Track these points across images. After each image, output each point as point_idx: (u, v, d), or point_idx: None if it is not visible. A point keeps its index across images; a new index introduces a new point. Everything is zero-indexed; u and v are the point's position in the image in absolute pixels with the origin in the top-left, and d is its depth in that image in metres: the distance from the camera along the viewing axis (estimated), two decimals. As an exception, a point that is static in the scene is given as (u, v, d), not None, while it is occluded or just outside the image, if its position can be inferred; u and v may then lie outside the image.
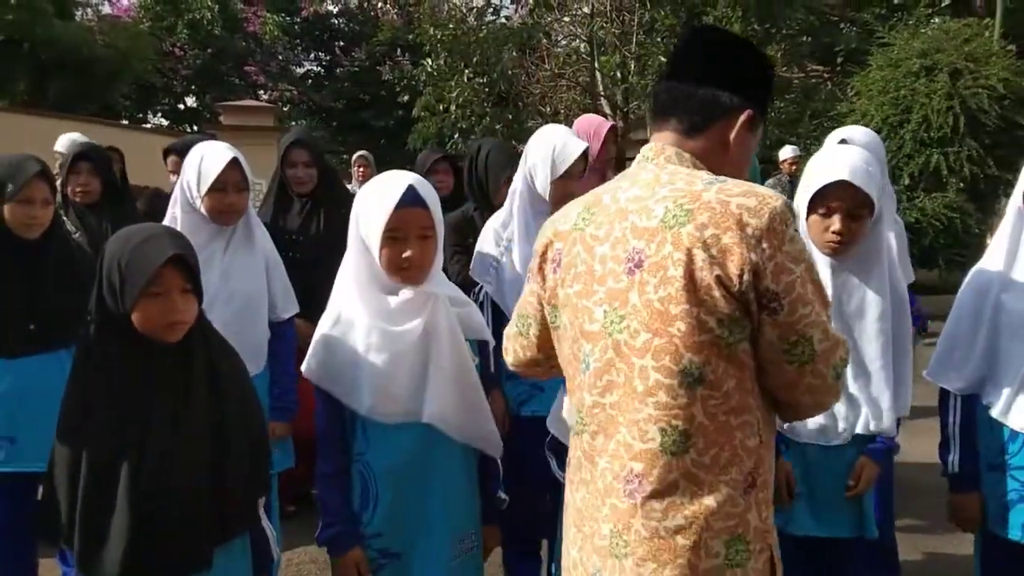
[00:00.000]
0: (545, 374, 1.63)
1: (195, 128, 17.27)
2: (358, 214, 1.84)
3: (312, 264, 3.35)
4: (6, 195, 2.47)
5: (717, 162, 1.39)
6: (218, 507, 1.72)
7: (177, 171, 3.57)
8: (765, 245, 1.24)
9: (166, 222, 2.61)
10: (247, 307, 2.60)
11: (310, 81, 18.77)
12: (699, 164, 1.38)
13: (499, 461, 2.00)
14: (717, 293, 1.24)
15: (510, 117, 10.93)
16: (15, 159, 2.56)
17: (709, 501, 1.28)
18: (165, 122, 17.80)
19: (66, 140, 5.02)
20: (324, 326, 1.87)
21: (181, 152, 3.55)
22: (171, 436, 1.70)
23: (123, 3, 17.48)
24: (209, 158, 2.52)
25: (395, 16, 18.44)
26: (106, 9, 17.28)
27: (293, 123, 15.39)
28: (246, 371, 1.88)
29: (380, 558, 1.82)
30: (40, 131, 9.19)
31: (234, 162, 2.52)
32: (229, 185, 2.52)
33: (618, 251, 1.33)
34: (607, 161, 3.30)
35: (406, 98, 12.97)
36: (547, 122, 10.22)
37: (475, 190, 3.24)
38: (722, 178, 1.33)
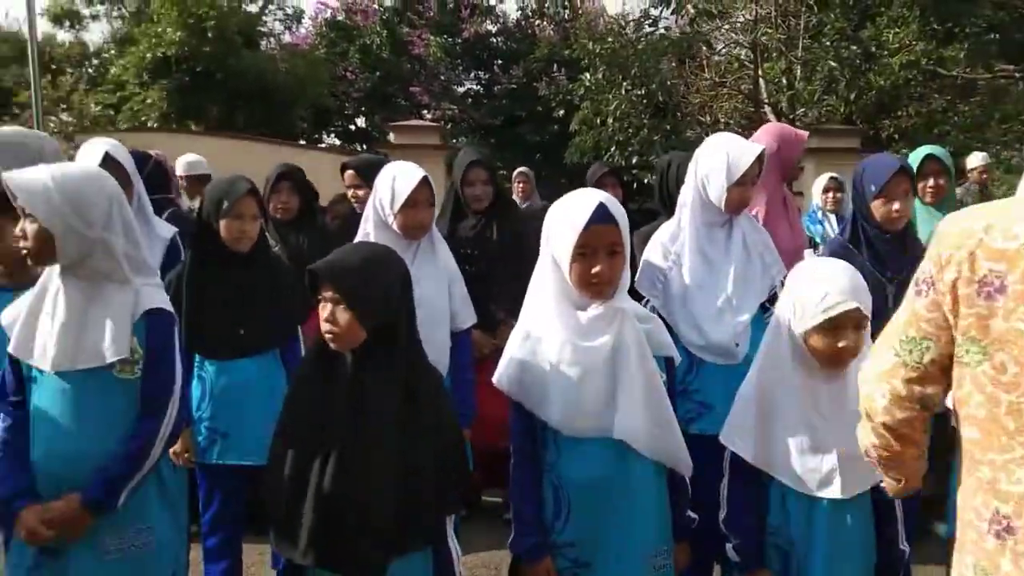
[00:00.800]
0: (918, 442, 1.44)
1: (365, 147, 18.26)
2: (549, 231, 1.88)
3: (485, 277, 3.47)
4: (221, 211, 2.72)
5: None
6: (402, 518, 1.78)
7: (353, 185, 3.79)
8: None
9: (358, 239, 2.78)
10: (432, 316, 2.71)
11: (470, 99, 19.36)
12: None
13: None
14: None
15: (668, 128, 10.80)
16: (229, 179, 2.82)
17: None
18: (338, 142, 18.93)
19: (183, 162, 5.61)
20: (516, 339, 1.93)
21: (357, 168, 3.76)
22: (355, 444, 1.80)
23: (301, 32, 18.82)
24: (401, 177, 2.66)
25: (551, 32, 18.73)
26: (287, 38, 18.66)
27: (454, 140, 15.90)
28: (444, 391, 1.94)
29: (572, 567, 1.85)
30: (230, 152, 10.09)
31: (424, 180, 2.66)
32: (420, 202, 2.66)
33: None
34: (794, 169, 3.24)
35: (561, 113, 13.11)
36: (707, 132, 10.01)
37: (666, 203, 3.24)
38: None
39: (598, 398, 1.81)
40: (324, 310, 1.82)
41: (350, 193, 3.51)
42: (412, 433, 1.81)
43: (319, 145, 16.51)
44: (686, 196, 2.73)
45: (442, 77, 18.33)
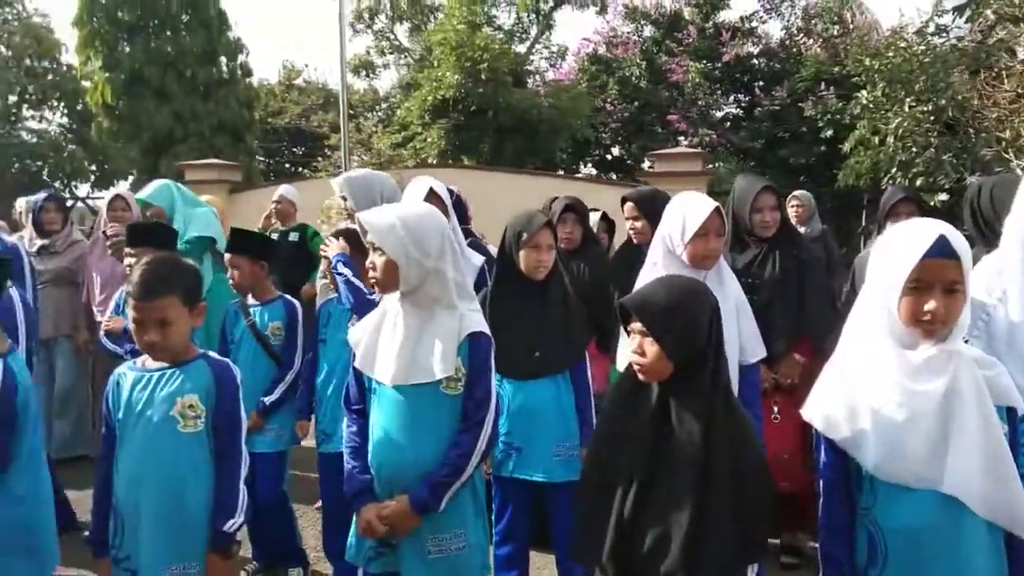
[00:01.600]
0: None
1: (620, 176, 18.56)
2: (879, 261, 1.79)
3: (766, 307, 3.39)
4: (520, 242, 2.93)
5: None
6: (693, 555, 1.77)
7: (632, 217, 3.86)
8: None
9: (644, 270, 2.86)
10: (721, 349, 2.71)
11: (728, 123, 18.96)
12: None
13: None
14: None
15: (960, 146, 9.78)
16: (528, 213, 3.04)
17: None
18: (594, 171, 19.42)
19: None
20: (831, 373, 1.87)
21: (638, 200, 3.82)
22: (655, 474, 1.85)
23: (564, 68, 19.63)
24: (692, 207, 2.70)
25: (818, 50, 17.81)
26: (550, 75, 19.57)
27: (710, 166, 15.63)
28: (751, 433, 1.91)
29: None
30: (498, 183, 10.76)
31: (717, 210, 2.67)
32: (711, 231, 2.68)
33: None
34: None
35: (830, 133, 12.36)
36: (1005, 150, 8.93)
37: (983, 231, 2.97)
38: None
39: (924, 446, 1.69)
40: (632, 342, 1.90)
41: (628, 225, 3.60)
42: (712, 471, 1.80)
43: (576, 175, 17.05)
44: (1017, 224, 2.47)
45: (700, 103, 18.15)
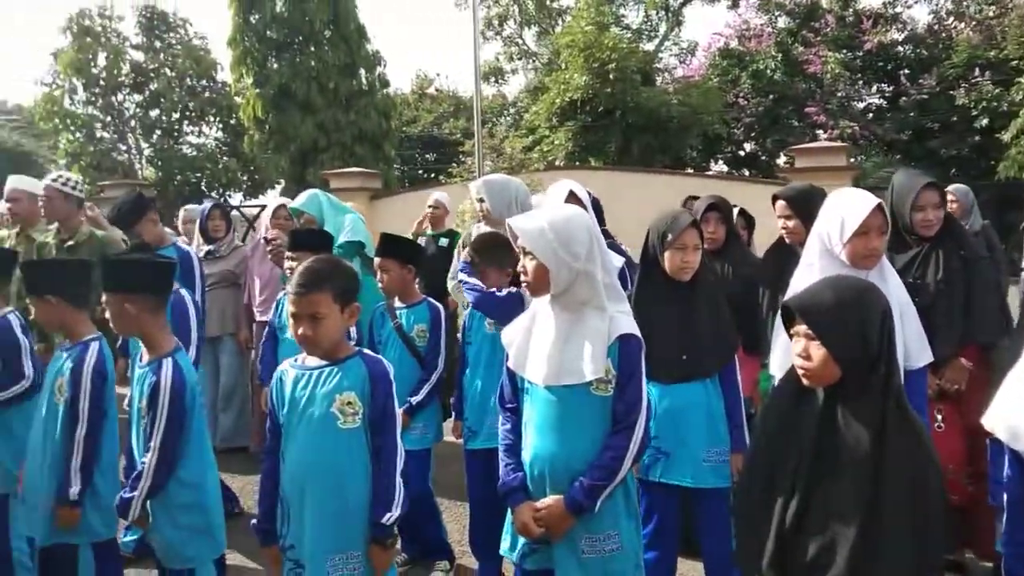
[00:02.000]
0: None
1: (752, 172, 17.99)
2: None
3: (927, 309, 3.18)
4: (665, 243, 2.89)
5: None
6: (862, 570, 1.69)
7: (784, 216, 3.72)
8: None
9: (800, 270, 2.75)
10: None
11: (871, 115, 18.00)
12: None
13: None
14: None
15: None
16: (673, 213, 2.99)
17: None
18: (725, 168, 18.93)
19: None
20: (1016, 379, 1.74)
21: (790, 198, 3.65)
22: (819, 483, 1.78)
23: (694, 64, 19.24)
24: (852, 205, 2.58)
25: (971, 34, 16.60)
26: (679, 72, 19.22)
27: (852, 160, 14.89)
28: (925, 443, 1.81)
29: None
30: (625, 183, 10.67)
31: (879, 207, 2.55)
32: (872, 229, 2.55)
33: None
34: None
35: (985, 122, 11.48)
36: None
37: None
38: None
39: None
40: (797, 345, 1.84)
41: (780, 224, 3.47)
42: (886, 482, 1.72)
43: (707, 172, 16.66)
44: None
45: (840, 94, 17.33)
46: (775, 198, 3.55)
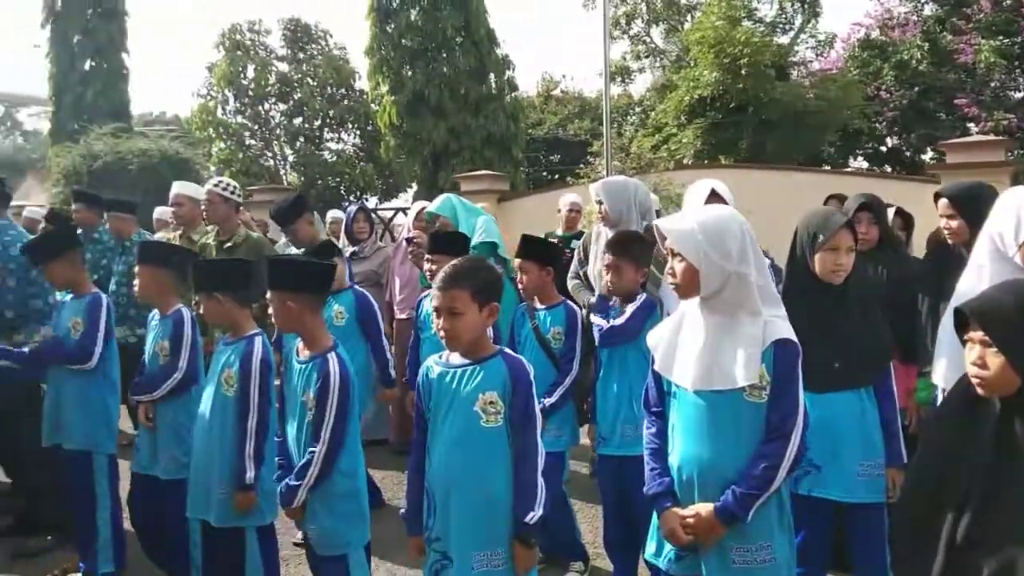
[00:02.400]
0: None
1: (895, 168, 16.99)
2: None
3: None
4: (816, 244, 2.77)
5: None
6: None
7: (947, 215, 3.47)
8: None
9: (968, 272, 2.58)
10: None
11: (1031, 105, 16.61)
12: None
13: None
14: None
15: None
16: (824, 212, 2.87)
17: None
18: (865, 164, 17.95)
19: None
20: None
21: (954, 196, 3.39)
22: (996, 498, 1.67)
23: (832, 56, 18.37)
24: (1029, 204, 2.40)
25: None
26: (815, 65, 18.41)
27: (1010, 154, 13.81)
28: None
29: None
30: (757, 181, 10.18)
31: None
32: (1052, 231, 2.36)
33: None
34: None
35: None
36: None
37: None
38: None
39: None
40: (971, 353, 1.73)
41: (942, 223, 3.25)
42: None
43: (845, 169, 15.84)
44: None
45: (994, 84, 16.08)
46: (937, 196, 3.34)
